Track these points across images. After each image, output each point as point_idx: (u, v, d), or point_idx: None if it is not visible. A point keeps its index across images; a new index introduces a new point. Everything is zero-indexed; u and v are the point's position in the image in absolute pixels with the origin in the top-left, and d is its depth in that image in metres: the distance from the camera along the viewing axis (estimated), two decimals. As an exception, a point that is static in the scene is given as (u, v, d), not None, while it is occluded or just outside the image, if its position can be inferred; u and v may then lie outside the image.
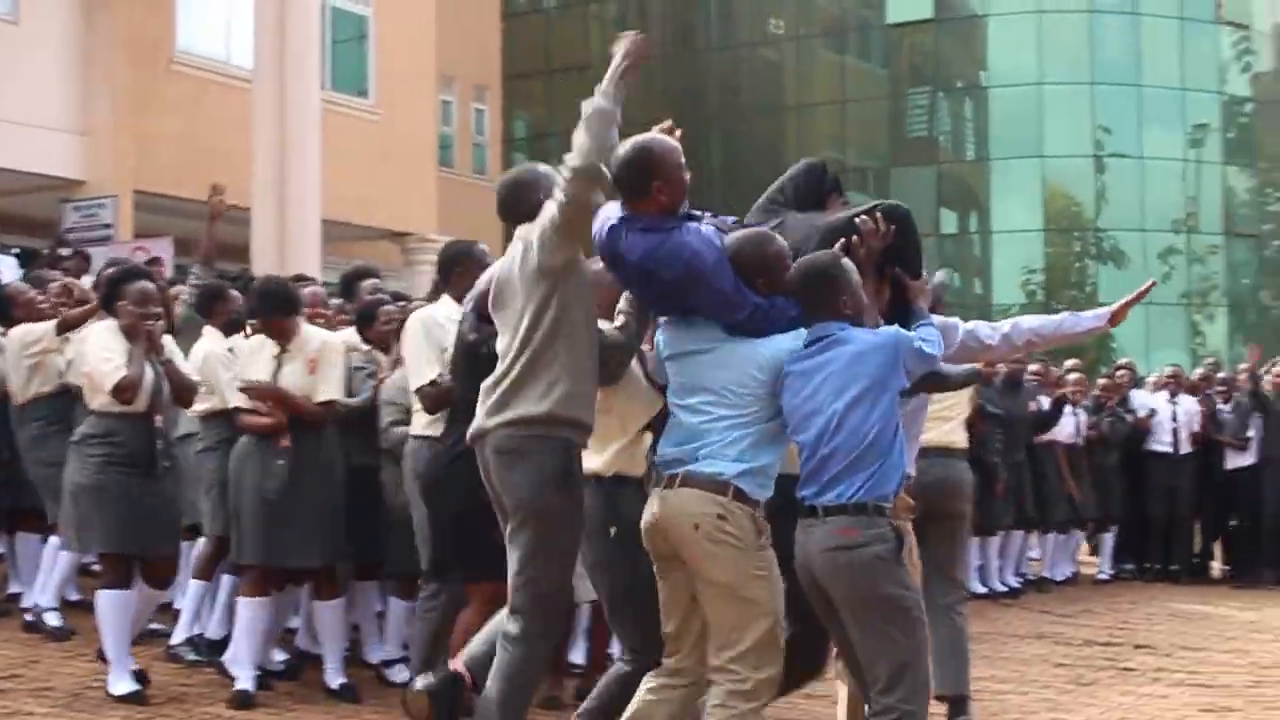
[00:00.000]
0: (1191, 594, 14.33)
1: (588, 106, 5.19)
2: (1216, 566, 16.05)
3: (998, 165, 34.97)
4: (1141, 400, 15.68)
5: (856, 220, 5.49)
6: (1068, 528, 14.90)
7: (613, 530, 5.54)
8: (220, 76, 20.99)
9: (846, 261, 5.30)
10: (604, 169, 5.17)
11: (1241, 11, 36.60)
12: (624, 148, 5.25)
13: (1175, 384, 15.78)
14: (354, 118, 22.92)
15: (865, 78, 37.19)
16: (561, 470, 5.27)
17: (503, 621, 5.44)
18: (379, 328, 8.71)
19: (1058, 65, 34.92)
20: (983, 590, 13.13)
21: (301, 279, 10.28)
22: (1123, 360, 17.99)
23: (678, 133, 5.72)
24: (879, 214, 5.51)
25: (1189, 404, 15.57)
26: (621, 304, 5.57)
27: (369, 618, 8.81)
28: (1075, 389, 14.26)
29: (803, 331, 5.25)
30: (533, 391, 5.28)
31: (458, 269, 7.39)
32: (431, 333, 7.22)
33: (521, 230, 5.49)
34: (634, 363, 5.66)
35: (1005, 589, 13.72)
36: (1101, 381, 15.75)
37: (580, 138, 5.16)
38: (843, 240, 5.45)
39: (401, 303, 9.11)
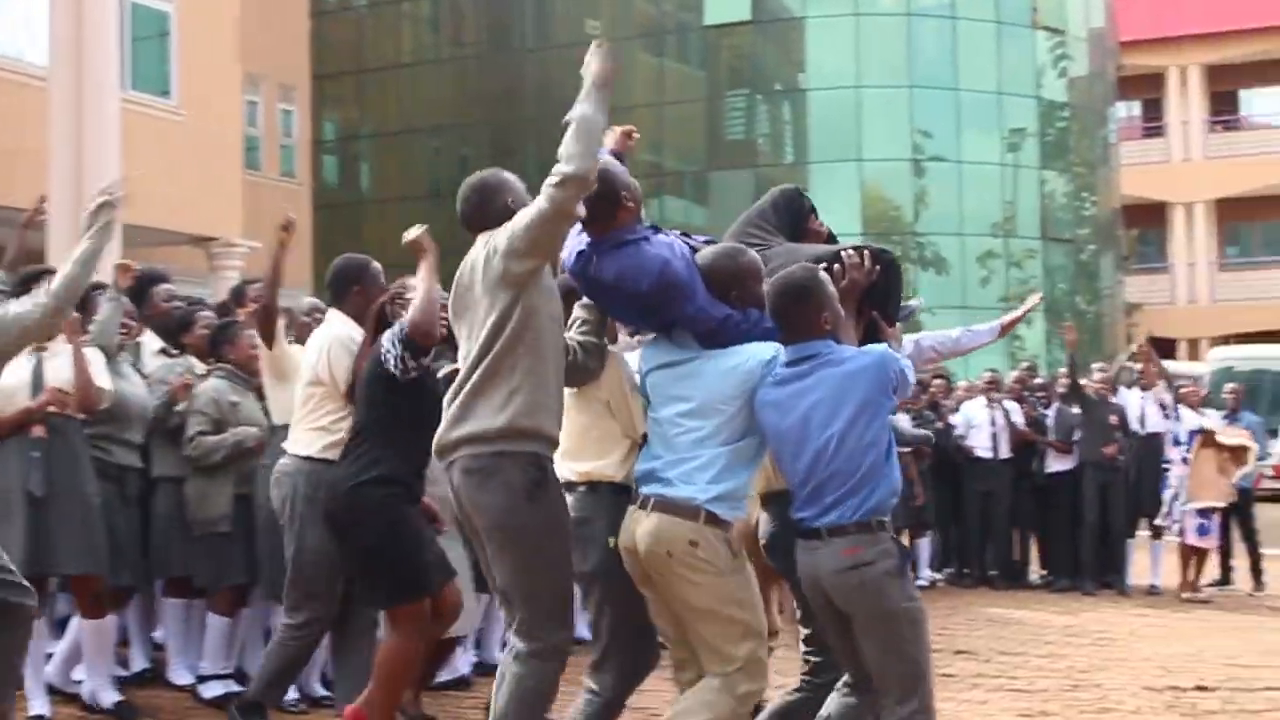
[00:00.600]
0: (1009, 599, 14.64)
1: (575, 114, 5.28)
2: (1034, 571, 16.39)
3: (816, 169, 35.35)
4: (965, 410, 15.96)
5: (843, 254, 5.63)
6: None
7: (611, 541, 5.52)
8: (14, 74, 20.53)
9: (823, 275, 5.41)
10: (591, 179, 5.23)
11: (1057, 16, 37.42)
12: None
13: (993, 388, 16.08)
14: (155, 118, 22.54)
15: (683, 80, 37.42)
16: (532, 484, 5.25)
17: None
18: (197, 332, 8.66)
19: (876, 68, 35.42)
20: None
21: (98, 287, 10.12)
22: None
23: (635, 136, 6.08)
24: (867, 253, 5.67)
25: (1010, 408, 15.88)
26: (577, 310, 5.68)
27: (174, 634, 8.71)
28: None
29: (777, 345, 5.36)
30: (492, 402, 5.28)
31: (355, 286, 7.27)
32: (351, 352, 7.05)
33: (484, 237, 5.47)
34: (632, 368, 5.76)
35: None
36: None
37: (569, 147, 5.24)
38: (825, 265, 5.57)
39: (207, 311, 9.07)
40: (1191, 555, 15.44)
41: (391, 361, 6.28)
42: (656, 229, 5.60)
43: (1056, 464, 15.82)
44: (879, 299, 5.73)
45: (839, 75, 35.53)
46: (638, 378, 5.69)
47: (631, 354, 5.90)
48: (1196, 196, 47.22)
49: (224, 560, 8.08)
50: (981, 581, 15.85)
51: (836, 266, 5.60)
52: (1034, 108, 36.73)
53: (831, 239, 6.27)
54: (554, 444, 5.40)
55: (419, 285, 6.09)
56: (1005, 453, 15.74)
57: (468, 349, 5.39)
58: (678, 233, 5.70)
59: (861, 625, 5.26)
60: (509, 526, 5.26)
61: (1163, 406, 15.80)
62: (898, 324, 5.85)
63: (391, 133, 39.76)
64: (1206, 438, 15.28)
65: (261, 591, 8.20)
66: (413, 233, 6.01)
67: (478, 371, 5.31)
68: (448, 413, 5.39)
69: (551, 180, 5.23)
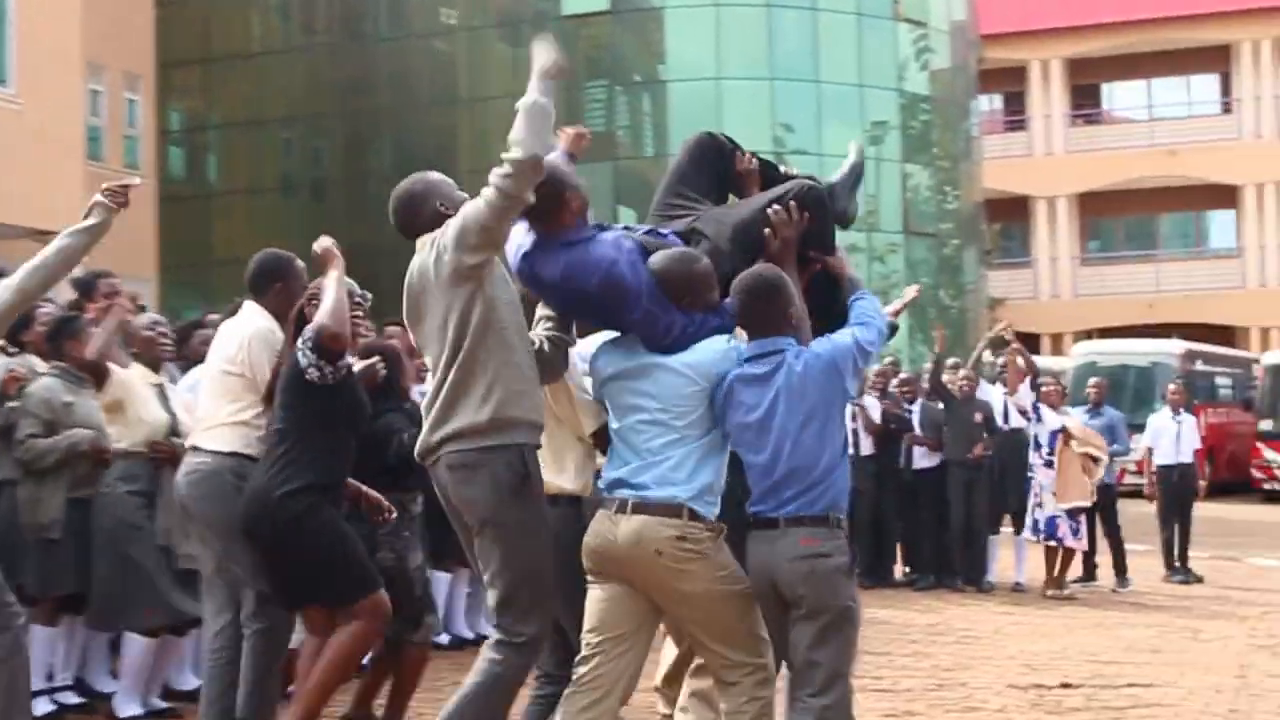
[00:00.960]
0: (874, 598, 14.72)
1: (525, 101, 5.32)
2: (898, 570, 16.49)
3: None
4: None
5: (769, 212, 5.68)
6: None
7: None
8: None
9: (785, 275, 5.60)
10: (543, 163, 5.28)
11: (919, 9, 37.78)
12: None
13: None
14: (-9, 107, 22.08)
15: (541, 70, 37.27)
16: (519, 478, 5.41)
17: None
18: (36, 329, 8.43)
19: (736, 60, 35.55)
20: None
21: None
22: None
23: (587, 134, 6.24)
24: (791, 202, 5.69)
25: (868, 404, 15.95)
26: (541, 308, 5.77)
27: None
28: None
29: (731, 339, 5.59)
30: (472, 398, 5.40)
31: (277, 284, 7.05)
32: (274, 349, 6.86)
33: (425, 240, 5.54)
34: (571, 375, 5.88)
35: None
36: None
37: (520, 133, 5.26)
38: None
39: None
40: (1056, 553, 15.62)
41: (308, 367, 6.36)
42: (603, 227, 5.66)
43: (924, 460, 15.94)
44: (815, 240, 5.83)
45: (699, 67, 35.62)
46: (584, 365, 5.85)
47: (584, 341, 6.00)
48: (1059, 190, 47.94)
49: (53, 568, 7.87)
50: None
51: (769, 231, 5.67)
52: (896, 100, 37.07)
53: (768, 167, 6.21)
54: (538, 429, 5.54)
55: (327, 292, 6.26)
56: (867, 449, 15.80)
57: (436, 352, 5.49)
58: (622, 227, 5.79)
59: (803, 615, 5.46)
60: (495, 522, 5.42)
61: (1022, 413, 15.96)
62: (840, 252, 6.01)
63: (240, 124, 39.23)
64: (1066, 436, 15.45)
65: (88, 619, 8.04)
66: (322, 244, 6.34)
67: (453, 371, 5.42)
68: (428, 416, 5.50)
69: (501, 170, 5.29)
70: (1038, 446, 15.57)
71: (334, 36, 39.27)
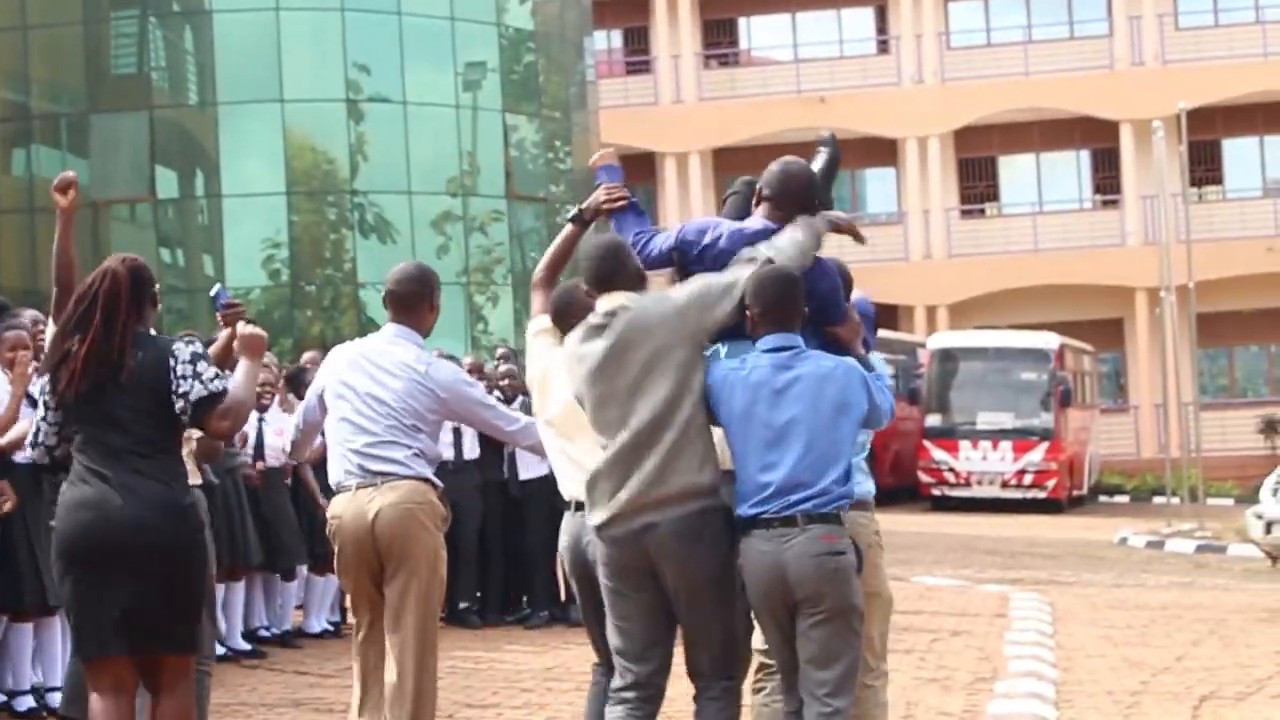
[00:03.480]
0: (479, 640, 14.81)
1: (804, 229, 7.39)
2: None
3: (227, 112, 34.89)
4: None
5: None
6: (322, 567, 14.51)
7: None
8: None
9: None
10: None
11: (518, -71, 38.03)
12: (787, 166, 8.09)
13: (478, 374, 15.56)
14: None
15: (54, -4, 36.39)
16: (732, 539, 6.99)
17: None
18: None
19: (299, -17, 35.23)
20: (221, 651, 13.09)
21: None
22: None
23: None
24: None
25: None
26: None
27: None
28: (266, 389, 13.81)
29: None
30: (692, 460, 6.95)
31: None
32: None
33: (616, 297, 7.18)
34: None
35: (247, 648, 13.83)
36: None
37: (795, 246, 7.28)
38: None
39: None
40: None
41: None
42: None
43: (534, 469, 15.61)
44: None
45: (253, -7, 35.20)
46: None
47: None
48: (690, 145, 48.72)
49: None
50: (447, 620, 15.18)
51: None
52: (495, 38, 37.20)
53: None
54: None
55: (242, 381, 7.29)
56: (471, 452, 15.76)
57: (646, 407, 6.96)
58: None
59: (822, 614, 6.79)
60: (718, 579, 6.96)
61: None
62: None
63: None
64: None
65: None
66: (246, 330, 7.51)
67: (671, 431, 6.94)
68: (627, 474, 6.97)
69: (786, 251, 7.22)
70: None
71: None
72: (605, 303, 7.18)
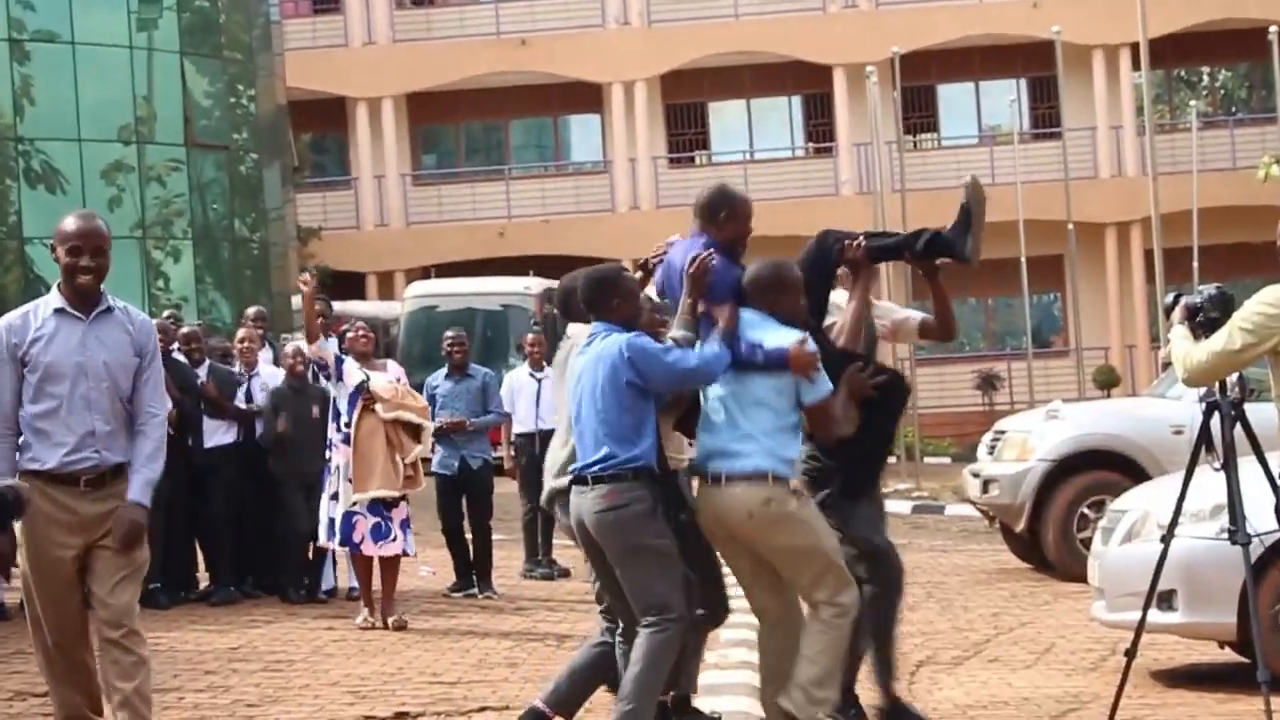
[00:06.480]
0: (158, 620, 14.60)
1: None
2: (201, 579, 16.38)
3: None
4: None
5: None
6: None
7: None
8: None
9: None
10: None
11: None
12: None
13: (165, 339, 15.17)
14: None
15: None
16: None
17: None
18: None
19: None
20: None
21: None
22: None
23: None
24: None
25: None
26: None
27: None
28: None
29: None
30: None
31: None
32: None
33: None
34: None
35: None
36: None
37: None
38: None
39: None
40: (369, 565, 14.68)
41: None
42: None
43: (220, 436, 15.81)
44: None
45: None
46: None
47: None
48: (383, 90, 48.26)
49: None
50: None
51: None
52: (177, -26, 36.65)
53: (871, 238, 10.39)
54: None
55: None
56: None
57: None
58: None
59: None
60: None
61: (321, 367, 15.02)
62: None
63: None
64: (368, 401, 14.53)
65: None
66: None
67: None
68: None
69: None
70: (335, 416, 14.83)
71: None
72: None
